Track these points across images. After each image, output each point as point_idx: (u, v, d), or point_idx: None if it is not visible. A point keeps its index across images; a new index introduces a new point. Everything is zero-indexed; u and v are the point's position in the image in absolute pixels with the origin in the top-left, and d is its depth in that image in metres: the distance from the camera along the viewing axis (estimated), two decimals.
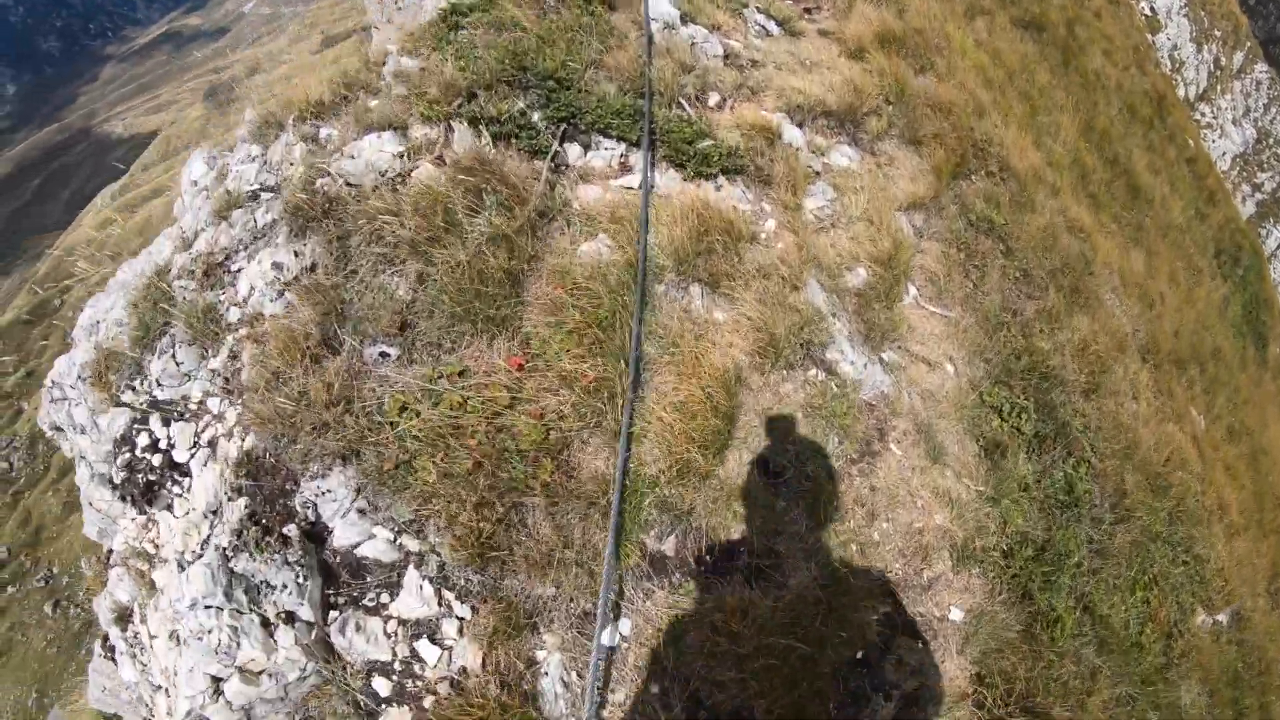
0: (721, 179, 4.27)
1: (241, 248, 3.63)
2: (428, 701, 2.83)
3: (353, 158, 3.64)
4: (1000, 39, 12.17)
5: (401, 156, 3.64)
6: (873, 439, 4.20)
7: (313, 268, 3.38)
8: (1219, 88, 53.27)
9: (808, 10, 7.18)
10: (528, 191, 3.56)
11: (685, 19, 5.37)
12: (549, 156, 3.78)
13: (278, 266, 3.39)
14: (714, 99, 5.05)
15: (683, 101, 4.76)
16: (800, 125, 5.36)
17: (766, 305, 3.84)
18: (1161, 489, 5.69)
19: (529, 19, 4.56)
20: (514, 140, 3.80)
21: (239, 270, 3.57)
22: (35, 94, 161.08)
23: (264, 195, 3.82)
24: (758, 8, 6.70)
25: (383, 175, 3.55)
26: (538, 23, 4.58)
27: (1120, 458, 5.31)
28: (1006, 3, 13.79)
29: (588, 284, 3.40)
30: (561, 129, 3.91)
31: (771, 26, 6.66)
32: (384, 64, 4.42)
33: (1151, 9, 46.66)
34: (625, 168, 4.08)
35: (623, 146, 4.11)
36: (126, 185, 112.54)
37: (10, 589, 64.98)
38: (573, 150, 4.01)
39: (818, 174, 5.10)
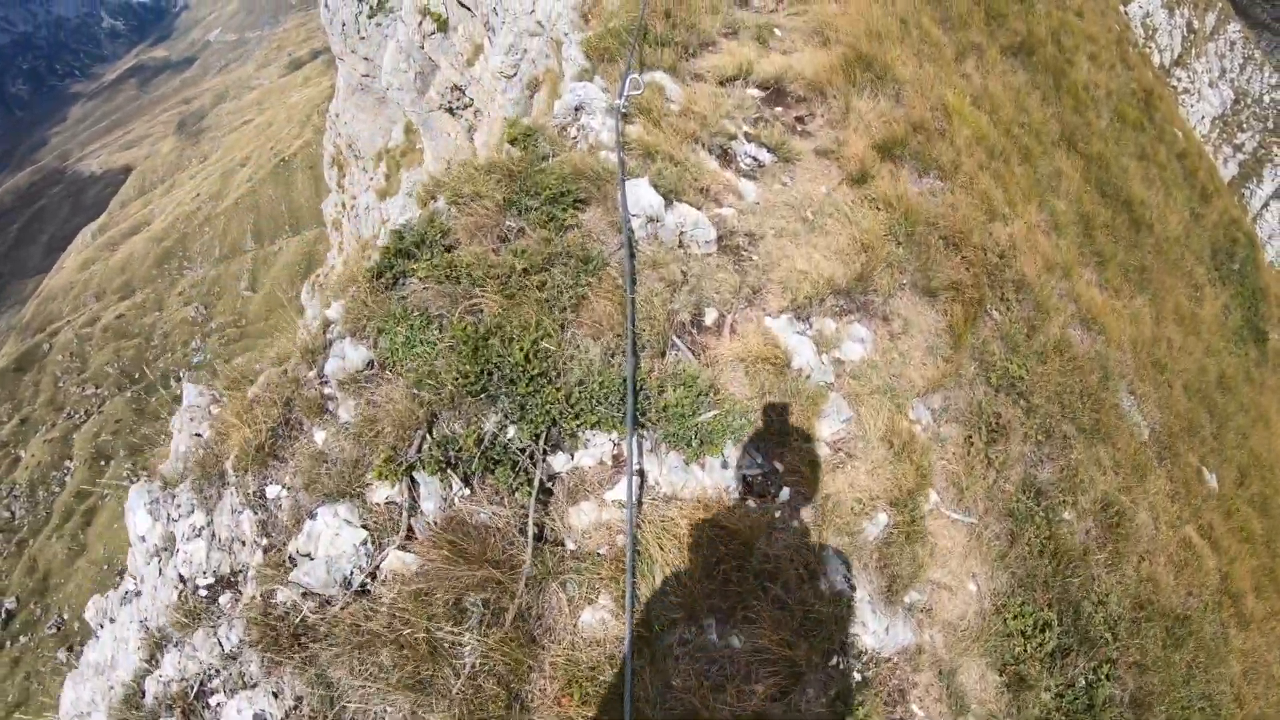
0: (729, 447, 3.59)
1: (215, 674, 2.98)
2: None
3: (309, 556, 2.95)
4: (992, 78, 11.54)
5: (365, 543, 2.97)
6: (895, 703, 3.71)
7: (297, 705, 2.73)
8: (1193, 51, 52.54)
9: (800, 120, 6.44)
10: (514, 562, 2.89)
11: (670, 201, 4.64)
12: (532, 496, 3.09)
13: (259, 717, 2.74)
14: (711, 317, 4.34)
15: (678, 342, 4.04)
16: (808, 318, 4.66)
17: (785, 627, 3.20)
18: (1180, 639, 5.47)
19: (485, 262, 3.84)
20: (489, 474, 3.12)
21: (219, 706, 2.92)
22: (6, 138, 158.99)
23: (223, 599, 3.15)
24: (746, 134, 5.97)
25: (348, 583, 2.89)
26: (498, 264, 3.86)
27: (1139, 626, 5.09)
28: (994, 29, 13.14)
29: (595, 674, 2.75)
30: (542, 438, 3.22)
31: (764, 155, 5.93)
32: (326, 350, 3.72)
33: None
34: (620, 463, 3.40)
35: (614, 435, 3.42)
36: (105, 223, 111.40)
37: (23, 639, 64.52)
38: (558, 459, 3.32)
39: (830, 386, 4.41)
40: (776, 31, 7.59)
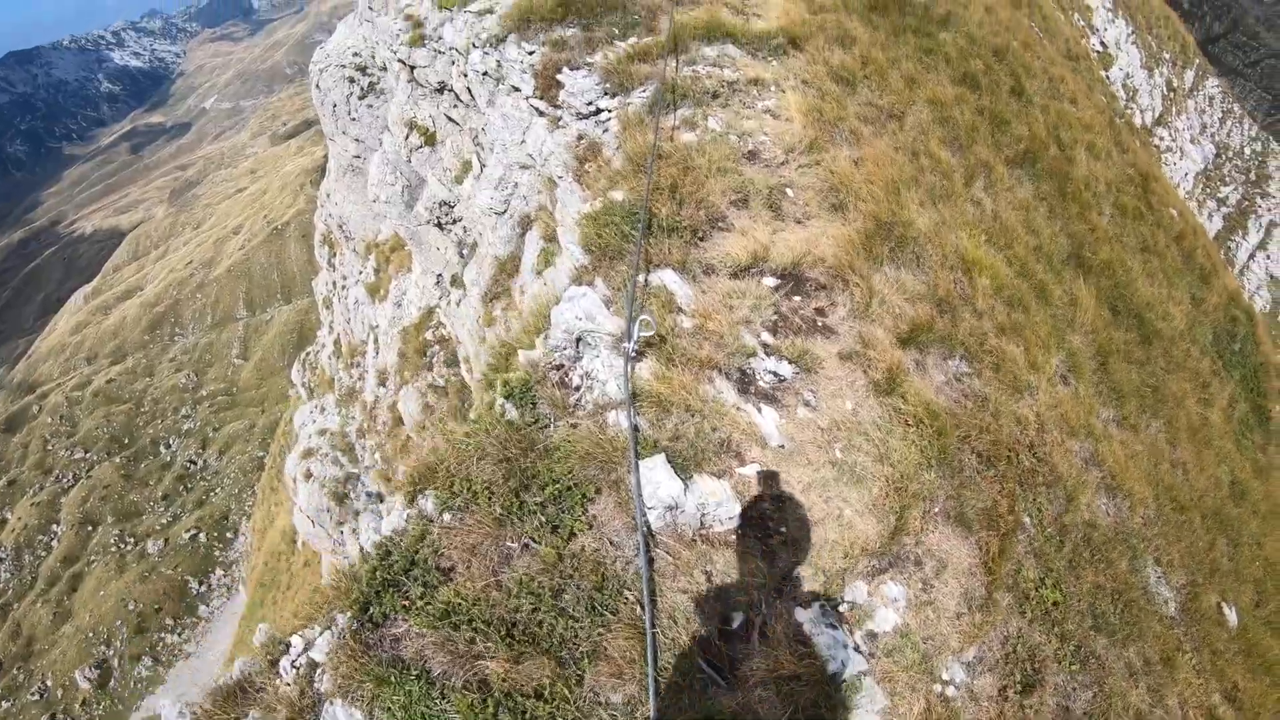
0: None
1: None
2: None
3: None
4: (1001, 200, 11.30)
5: None
6: None
7: None
8: (1174, 109, 53.10)
9: (820, 312, 5.88)
10: None
11: (689, 477, 4.04)
12: None
13: None
14: (738, 620, 3.73)
15: (703, 665, 3.43)
16: (841, 594, 4.09)
17: None
18: None
19: (487, 600, 3.22)
20: None
21: None
22: (3, 198, 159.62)
23: None
24: (765, 345, 5.40)
25: None
26: (500, 603, 3.24)
27: None
28: (999, 138, 12.98)
29: None
30: None
31: (784, 369, 5.35)
32: (316, 711, 3.07)
33: (1102, 44, 46.43)
34: None
35: None
36: (99, 287, 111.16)
37: (4, 704, 62.30)
38: None
39: (864, 673, 3.84)
40: (789, 192, 7.10)
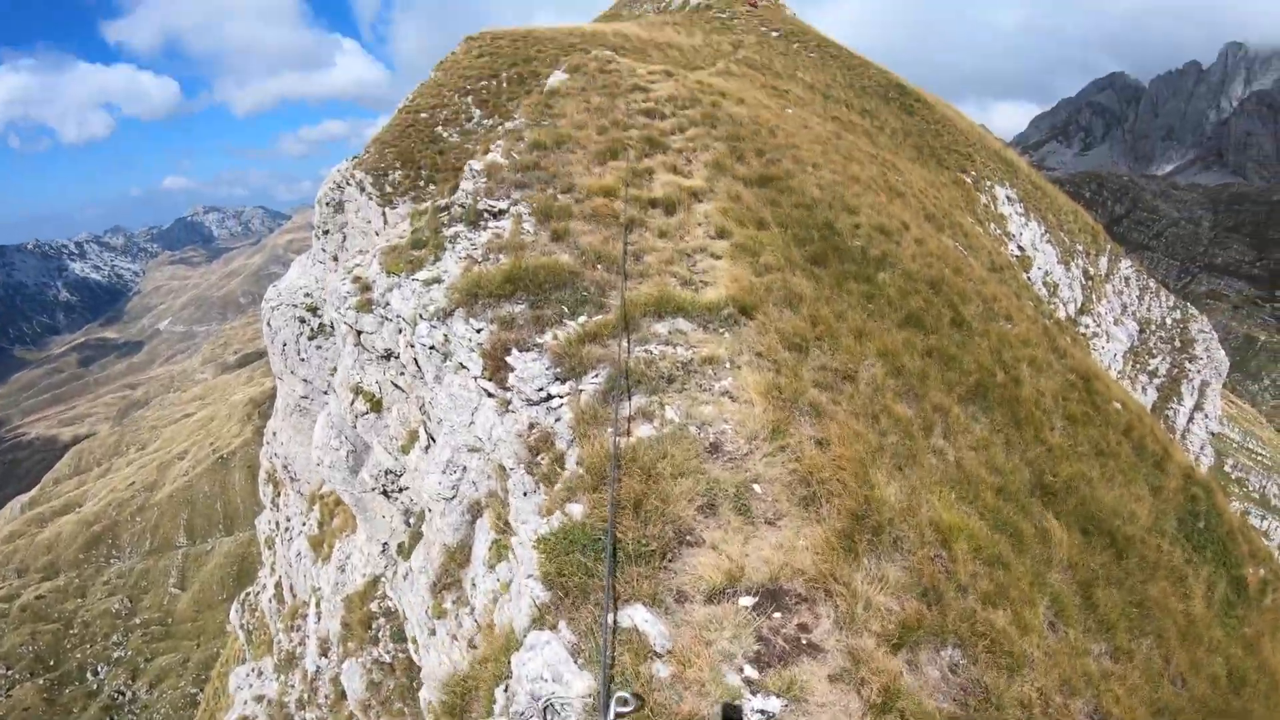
0: None
1: None
2: None
3: None
4: (962, 445, 11.51)
5: None
6: None
7: None
8: (1094, 296, 57.13)
9: (803, 629, 5.52)
10: None
11: None
12: None
13: None
14: None
15: None
16: None
17: None
18: None
19: None
20: None
21: None
22: None
23: None
24: (750, 682, 5.00)
25: None
26: None
27: None
28: (950, 376, 13.48)
29: None
30: None
31: (772, 705, 4.95)
32: None
33: (1019, 247, 50.56)
34: None
35: None
36: (36, 498, 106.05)
37: None
38: None
39: None
40: (756, 488, 6.99)
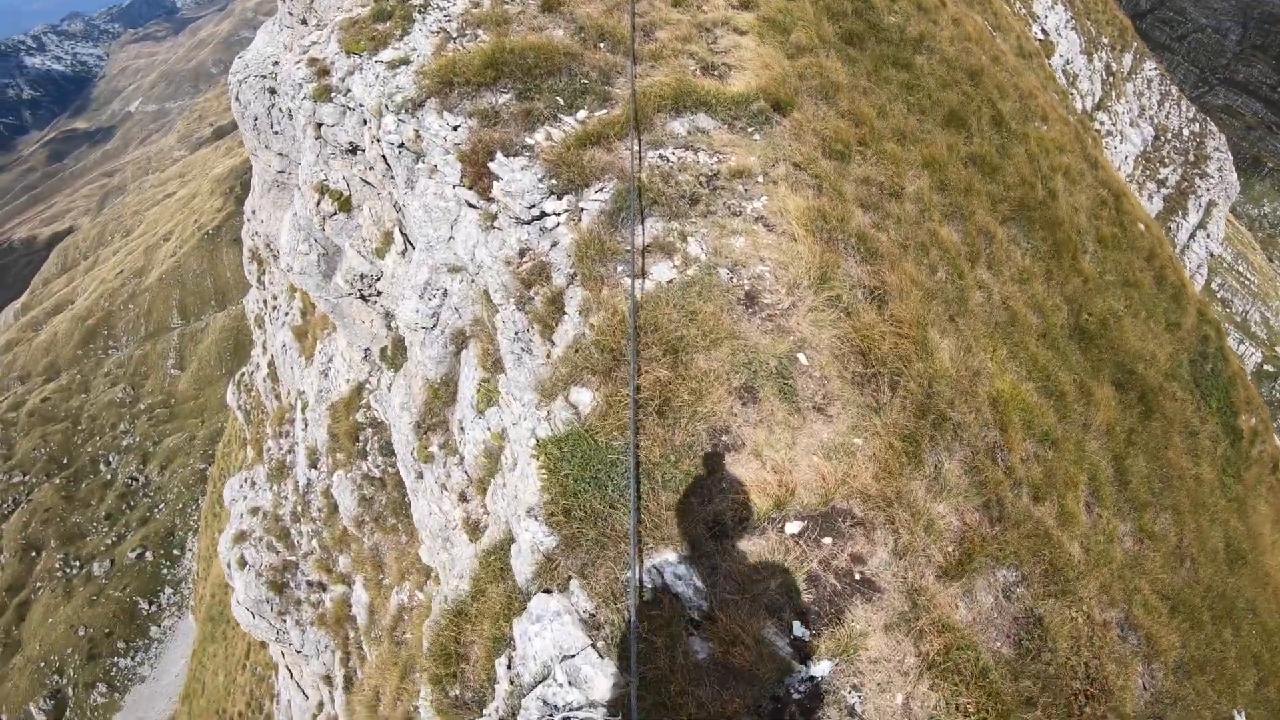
0: None
1: None
2: None
3: None
4: (1006, 278, 10.15)
5: None
6: None
7: None
8: (1114, 93, 52.87)
9: (856, 560, 4.29)
10: None
11: None
12: None
13: None
14: None
15: None
16: None
17: None
18: None
19: None
20: None
21: None
22: None
23: None
24: (797, 648, 3.85)
25: None
26: None
27: None
28: (993, 193, 11.93)
29: None
30: None
31: (822, 668, 3.86)
32: None
33: (1043, 30, 45.67)
34: None
35: None
36: (28, 302, 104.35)
37: None
38: None
39: None
40: (802, 359, 5.42)
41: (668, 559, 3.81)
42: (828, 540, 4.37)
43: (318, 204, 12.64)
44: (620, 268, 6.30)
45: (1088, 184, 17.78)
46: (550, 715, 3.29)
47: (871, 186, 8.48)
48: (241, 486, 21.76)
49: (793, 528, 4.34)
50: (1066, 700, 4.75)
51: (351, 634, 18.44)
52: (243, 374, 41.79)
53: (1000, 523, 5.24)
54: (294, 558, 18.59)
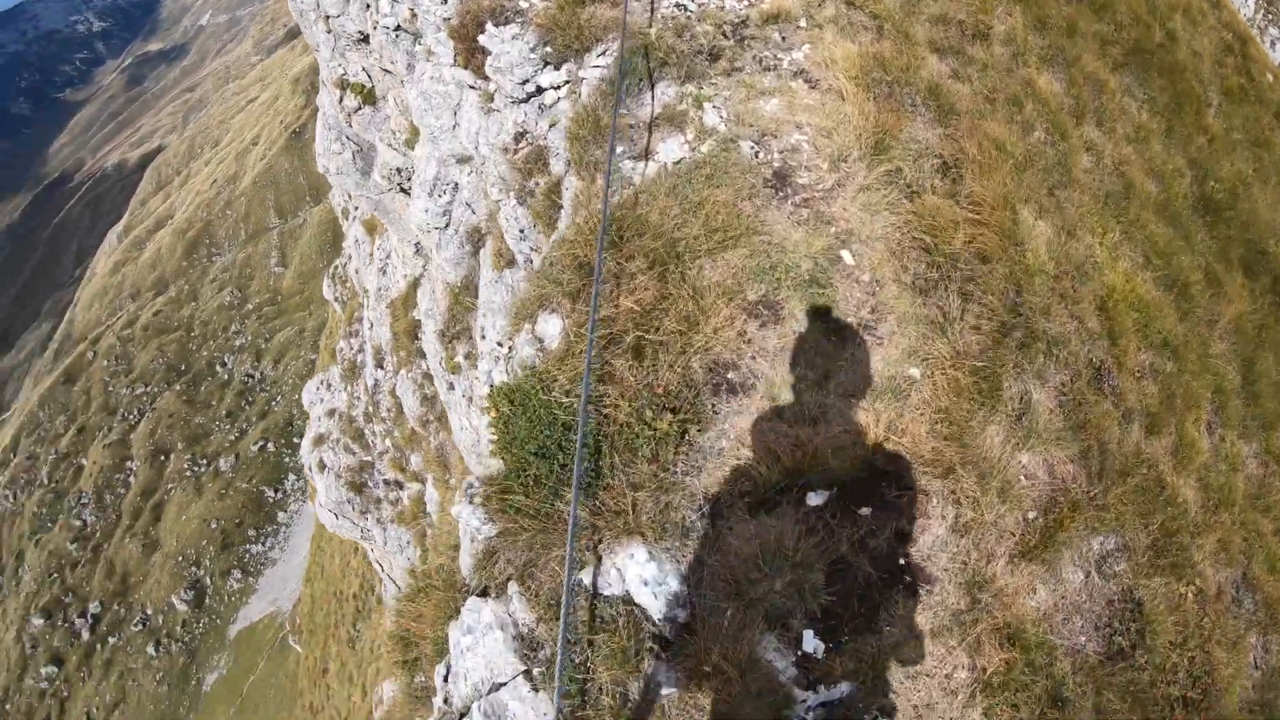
0: None
1: None
2: None
3: None
4: (1119, 137, 8.35)
5: None
6: None
7: None
8: None
9: (902, 539, 3.16)
10: None
11: None
12: None
13: None
14: None
15: None
16: None
17: None
18: None
19: None
20: None
21: None
22: (17, 159, 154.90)
23: None
24: (805, 670, 2.75)
25: None
26: None
27: None
28: (1102, 33, 9.92)
29: None
30: None
31: (841, 691, 2.70)
32: None
33: None
34: None
35: None
36: (129, 224, 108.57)
37: (111, 639, 65.51)
38: None
39: None
40: (846, 258, 4.07)
41: (633, 556, 2.71)
42: (865, 512, 3.16)
43: (340, 100, 11.50)
44: (621, 149, 4.94)
45: (1209, 25, 14.83)
46: None
47: (949, 27, 6.67)
48: (318, 389, 21.82)
49: (816, 499, 3.14)
50: (1161, 710, 3.55)
51: (429, 531, 18.61)
52: (336, 266, 41.89)
53: (1102, 477, 3.90)
54: (369, 458, 18.63)
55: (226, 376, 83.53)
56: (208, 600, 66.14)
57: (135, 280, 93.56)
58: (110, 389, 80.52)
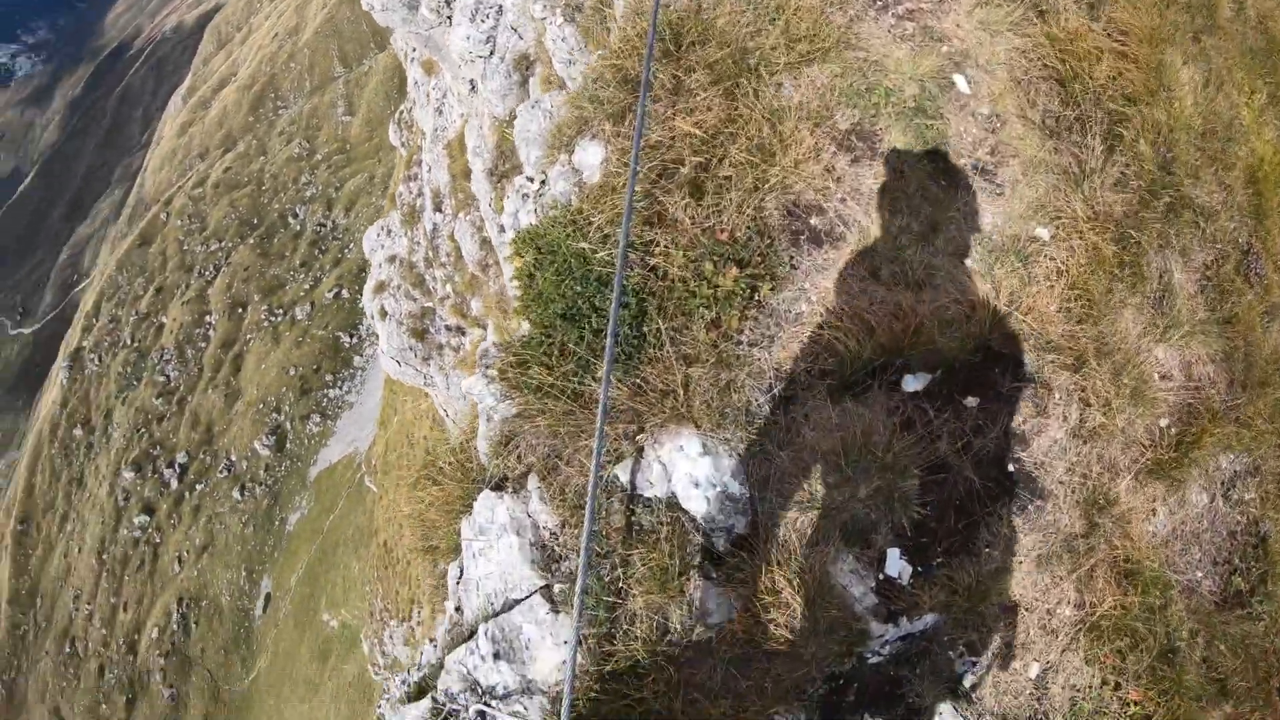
0: None
1: None
2: None
3: None
4: None
5: None
6: None
7: None
8: None
9: (1016, 439, 2.35)
10: None
11: None
12: None
13: None
14: None
15: None
16: None
17: None
18: None
19: None
20: None
21: None
22: (74, 32, 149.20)
23: None
24: (885, 606, 2.00)
25: None
26: None
27: None
28: None
29: None
30: None
31: (924, 622, 2.00)
32: None
33: None
34: None
35: None
36: (193, 85, 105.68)
37: (198, 487, 69.23)
38: None
39: None
40: (960, 84, 3.09)
41: (682, 448, 1.97)
42: (971, 405, 2.35)
43: None
44: None
45: None
46: (465, 704, 1.71)
47: None
48: (379, 235, 20.94)
49: (914, 383, 2.34)
50: (1272, 667, 2.83)
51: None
52: (400, 111, 40.23)
53: (1245, 386, 3.01)
54: (430, 304, 18.03)
55: (299, 227, 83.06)
56: (288, 444, 68.77)
57: (203, 140, 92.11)
58: (185, 248, 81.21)
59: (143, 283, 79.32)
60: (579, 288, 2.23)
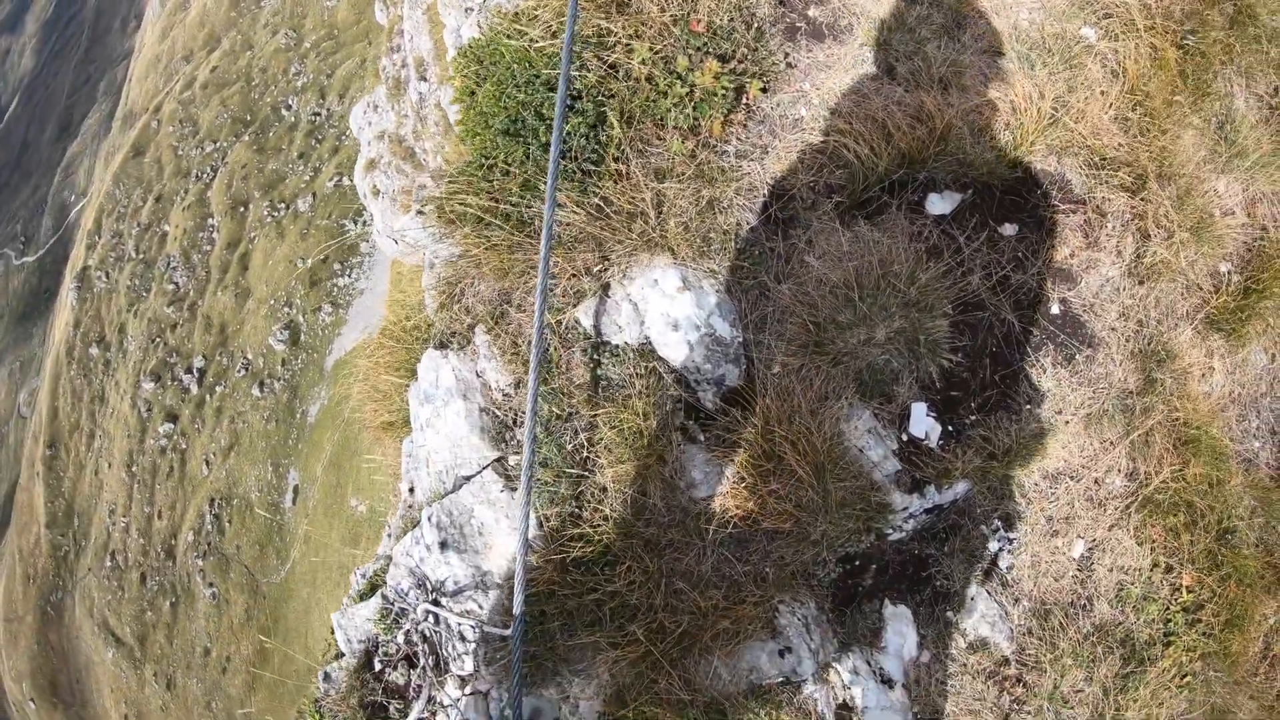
0: None
1: None
2: None
3: None
4: None
5: None
6: None
7: None
8: None
9: (1054, 275, 1.87)
10: None
11: None
12: None
13: None
14: None
15: None
16: None
17: None
18: None
19: None
20: None
21: None
22: None
23: None
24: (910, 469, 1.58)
25: None
26: None
27: None
28: None
29: None
30: None
31: (958, 490, 1.62)
32: None
33: None
34: None
35: None
36: None
37: (218, 388, 69.44)
38: None
39: None
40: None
41: (656, 282, 1.47)
42: (1009, 232, 1.84)
43: None
44: None
45: None
46: (414, 602, 1.31)
47: None
48: (366, 113, 19.83)
49: (941, 204, 1.82)
50: None
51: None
52: None
53: None
54: (423, 178, 17.26)
55: (293, 119, 79.44)
56: (303, 337, 68.37)
57: (185, 42, 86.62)
58: (180, 153, 77.91)
59: (141, 194, 76.83)
60: (522, 95, 1.68)
